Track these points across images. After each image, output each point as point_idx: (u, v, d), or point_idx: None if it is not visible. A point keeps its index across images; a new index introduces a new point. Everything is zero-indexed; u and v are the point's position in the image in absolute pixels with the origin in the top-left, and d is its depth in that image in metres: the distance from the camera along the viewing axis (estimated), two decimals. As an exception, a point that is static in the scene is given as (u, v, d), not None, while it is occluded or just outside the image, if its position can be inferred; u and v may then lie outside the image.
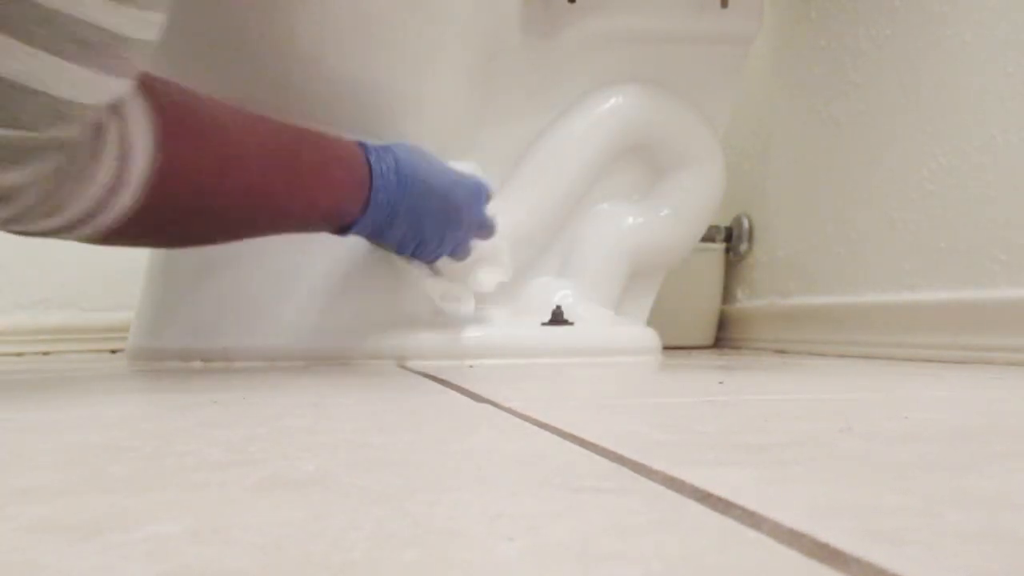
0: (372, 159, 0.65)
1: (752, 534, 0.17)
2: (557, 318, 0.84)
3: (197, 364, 0.78)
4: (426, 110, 0.85)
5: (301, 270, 0.80)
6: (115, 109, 0.48)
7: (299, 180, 0.61)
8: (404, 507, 0.19)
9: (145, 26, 0.45)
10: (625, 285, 0.94)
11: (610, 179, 0.93)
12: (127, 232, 0.53)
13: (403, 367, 0.73)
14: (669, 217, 0.94)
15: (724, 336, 1.19)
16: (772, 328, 1.06)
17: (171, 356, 0.80)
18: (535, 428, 0.32)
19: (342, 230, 0.67)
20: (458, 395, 0.46)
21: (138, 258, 0.90)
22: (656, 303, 0.98)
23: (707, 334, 1.18)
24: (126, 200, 0.50)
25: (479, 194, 0.73)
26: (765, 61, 1.10)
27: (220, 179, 0.56)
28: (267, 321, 0.79)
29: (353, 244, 0.75)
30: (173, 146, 0.52)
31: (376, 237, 0.69)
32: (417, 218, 0.68)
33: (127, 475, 0.23)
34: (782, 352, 1.00)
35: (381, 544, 0.16)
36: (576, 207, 0.93)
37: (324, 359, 0.77)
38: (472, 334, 0.80)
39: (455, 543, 0.16)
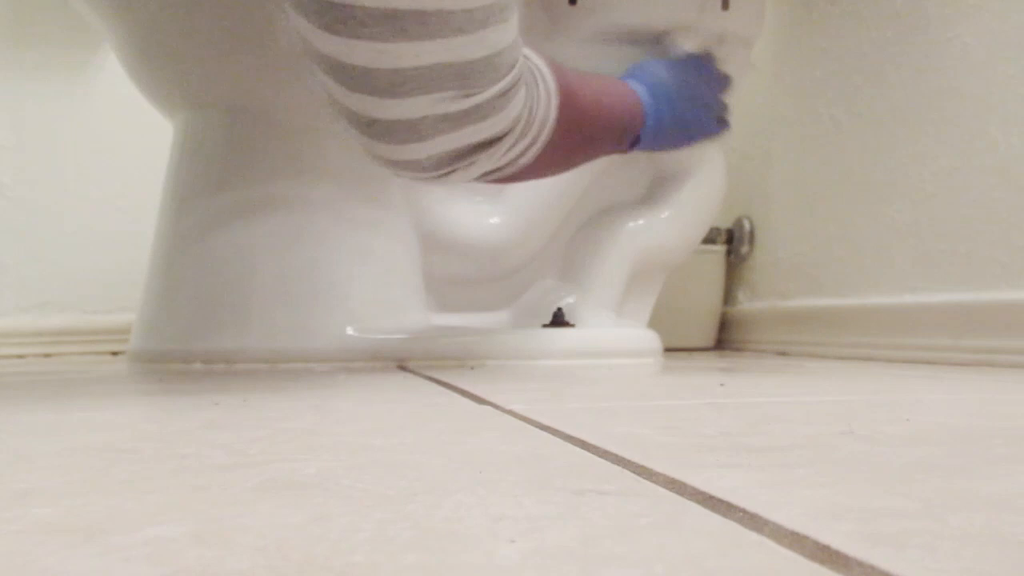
0: (641, 94, 0.80)
1: (754, 536, 0.17)
2: (558, 320, 0.84)
3: (198, 366, 0.78)
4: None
5: (302, 273, 0.80)
6: (534, 69, 0.64)
7: (617, 106, 0.77)
8: (405, 509, 0.19)
9: None
10: (626, 287, 0.94)
11: (611, 181, 0.93)
12: (553, 143, 0.66)
13: (404, 369, 0.73)
14: (670, 219, 0.94)
15: (725, 338, 1.19)
16: (773, 330, 1.06)
17: (172, 358, 0.80)
18: (536, 430, 0.32)
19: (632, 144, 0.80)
20: (459, 397, 0.46)
21: (139, 260, 0.90)
22: (657, 305, 0.98)
23: (708, 336, 1.18)
24: (553, 108, 0.65)
25: (710, 76, 0.87)
26: (767, 63, 1.10)
27: (592, 104, 0.72)
28: (268, 323, 0.79)
29: (354, 245, 0.75)
30: (565, 109, 0.66)
31: (654, 140, 0.81)
32: (676, 117, 0.82)
33: (128, 477, 0.23)
34: (783, 354, 1.00)
35: (382, 546, 0.16)
36: (578, 209, 0.93)
37: (325, 361, 0.77)
38: (473, 336, 0.80)
39: (456, 545, 0.16)
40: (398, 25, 0.51)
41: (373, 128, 0.58)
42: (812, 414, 0.37)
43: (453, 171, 0.62)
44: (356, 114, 0.57)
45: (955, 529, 0.17)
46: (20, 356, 1.16)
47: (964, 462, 0.25)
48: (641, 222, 0.93)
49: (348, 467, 0.24)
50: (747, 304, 1.15)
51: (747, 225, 1.15)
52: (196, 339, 0.79)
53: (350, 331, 0.79)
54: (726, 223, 1.16)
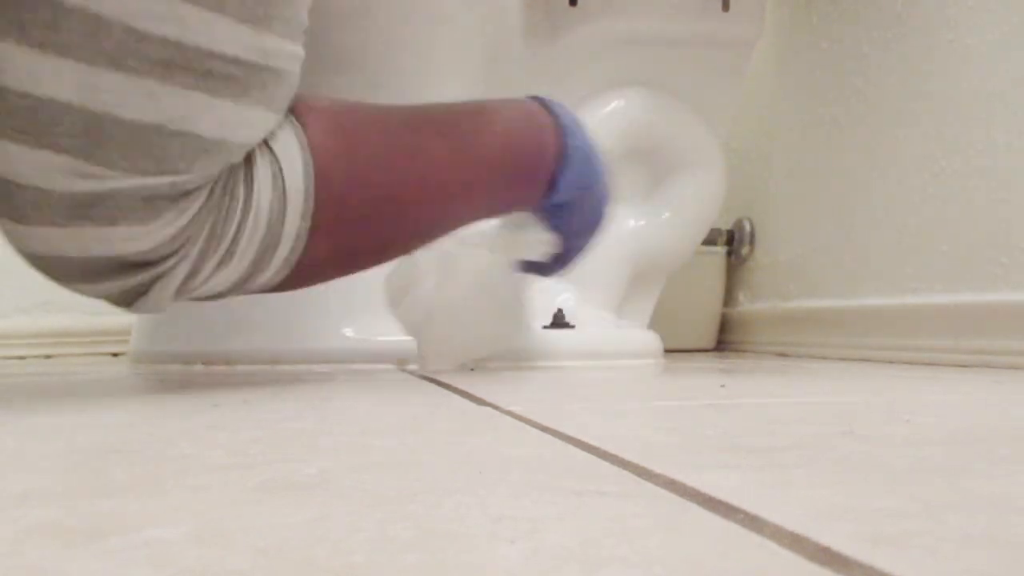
0: (554, 107, 0.58)
1: (754, 537, 0.17)
2: (558, 321, 0.84)
3: (198, 367, 0.78)
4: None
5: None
6: (265, 167, 0.46)
7: (470, 146, 0.54)
8: (406, 510, 0.19)
9: (286, 59, 0.43)
10: (626, 288, 0.94)
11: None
12: (316, 259, 0.48)
13: (404, 370, 0.73)
14: (670, 220, 0.94)
15: (725, 339, 1.18)
16: (773, 331, 1.06)
17: (173, 359, 0.80)
18: (536, 431, 0.32)
19: (545, 194, 0.58)
20: (459, 398, 0.46)
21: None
22: (658, 306, 0.98)
23: (709, 337, 1.18)
24: (295, 218, 0.46)
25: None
26: (767, 64, 1.10)
27: (384, 166, 0.50)
28: (268, 324, 0.79)
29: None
30: (324, 145, 0.47)
31: (572, 202, 0.60)
32: (599, 194, 0.61)
33: (128, 478, 0.23)
34: (783, 355, 1.00)
35: (383, 547, 0.16)
36: (577, 210, 0.93)
37: (325, 362, 0.77)
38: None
39: (457, 546, 0.16)
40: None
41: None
42: (812, 415, 0.37)
43: (127, 292, 0.46)
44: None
45: (956, 530, 0.17)
46: (21, 357, 1.16)
47: (965, 463, 0.25)
48: (642, 223, 0.93)
49: (348, 467, 0.24)
50: (747, 305, 1.15)
51: (747, 226, 1.15)
52: (196, 340, 0.79)
53: (350, 332, 0.79)
54: (726, 224, 1.16)
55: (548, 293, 0.91)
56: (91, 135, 0.38)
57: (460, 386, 0.52)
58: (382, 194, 0.50)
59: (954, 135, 0.80)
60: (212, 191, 0.43)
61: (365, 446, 0.29)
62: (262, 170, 0.45)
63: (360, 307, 0.80)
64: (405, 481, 0.22)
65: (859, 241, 0.93)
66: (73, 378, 0.69)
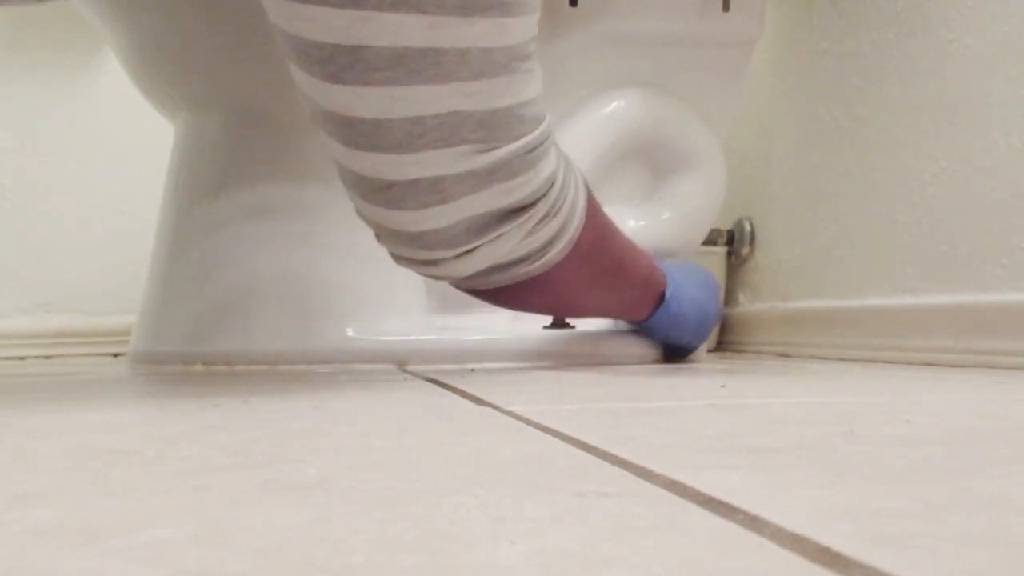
0: (667, 288, 0.75)
1: (754, 538, 0.17)
2: (558, 321, 0.84)
3: (198, 368, 0.78)
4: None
5: (303, 274, 0.80)
6: (563, 153, 0.60)
7: (639, 254, 0.72)
8: (406, 510, 0.19)
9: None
10: (627, 289, 0.94)
11: (611, 182, 0.93)
12: (580, 251, 0.62)
13: (404, 370, 0.73)
14: (671, 220, 0.94)
15: (726, 339, 1.19)
16: (774, 332, 1.06)
17: (173, 360, 0.80)
18: (537, 432, 0.32)
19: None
20: (460, 399, 0.46)
21: (139, 262, 0.90)
22: (658, 307, 0.98)
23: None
24: (573, 229, 0.60)
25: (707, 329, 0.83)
26: (767, 65, 1.10)
27: (603, 262, 0.67)
28: (268, 325, 0.79)
29: (355, 247, 0.75)
30: (592, 214, 0.63)
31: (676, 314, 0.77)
32: (673, 331, 0.80)
33: (128, 479, 0.23)
34: (784, 356, 1.00)
35: (383, 548, 0.16)
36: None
37: (326, 362, 0.77)
38: (474, 337, 0.80)
39: (457, 547, 0.16)
40: (412, 67, 0.47)
41: (391, 192, 0.52)
42: (813, 415, 0.37)
43: (477, 247, 0.57)
44: (369, 179, 0.52)
45: (956, 530, 0.17)
46: (21, 358, 1.16)
47: (965, 463, 0.25)
48: (642, 223, 0.93)
49: (349, 468, 0.24)
50: (748, 305, 1.15)
51: (748, 226, 1.15)
52: (197, 341, 0.79)
53: (350, 332, 0.79)
54: (727, 224, 1.16)
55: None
56: (487, 127, 0.51)
57: (460, 386, 0.52)
58: (609, 256, 0.67)
59: (954, 135, 0.80)
60: (554, 149, 0.57)
61: (365, 446, 0.29)
62: (563, 156, 0.60)
63: (361, 307, 0.80)
64: (405, 481, 0.22)
65: (859, 241, 0.93)
66: (73, 378, 0.69)
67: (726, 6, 0.89)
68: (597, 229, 0.64)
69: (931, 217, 0.83)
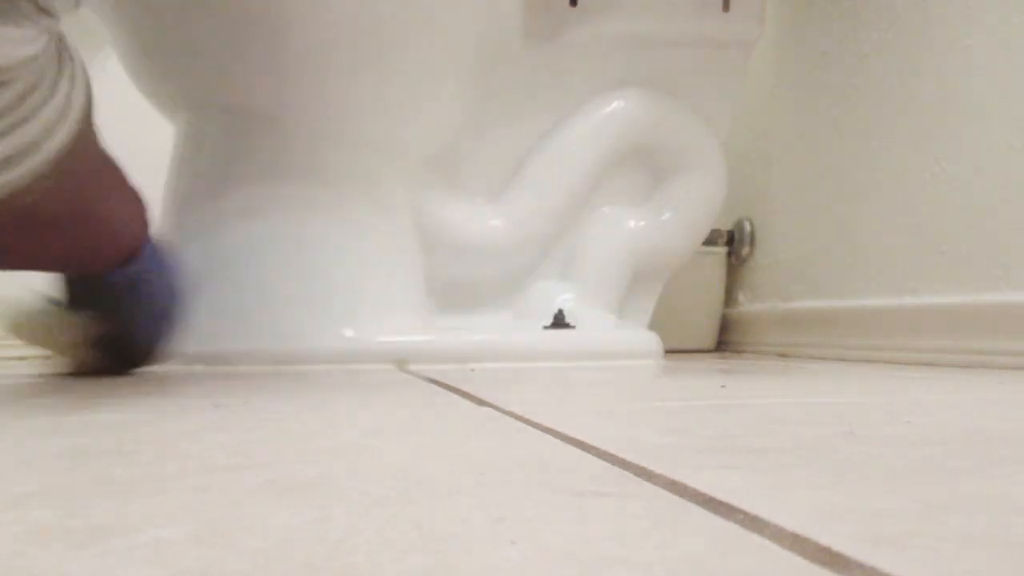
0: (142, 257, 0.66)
1: (754, 538, 0.17)
2: (559, 321, 0.84)
3: (199, 368, 0.78)
4: (427, 116, 0.85)
5: (303, 274, 0.80)
6: (68, 53, 0.52)
7: (128, 195, 0.64)
8: (406, 511, 0.19)
9: None
10: (627, 289, 0.94)
11: (612, 182, 0.93)
12: (65, 170, 0.52)
13: (405, 371, 0.73)
14: (671, 220, 0.94)
15: (726, 340, 1.18)
16: (774, 332, 1.06)
17: (173, 360, 0.80)
18: (537, 432, 0.32)
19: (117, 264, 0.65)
20: (460, 399, 0.46)
21: (140, 262, 0.90)
22: (658, 307, 0.98)
23: (709, 338, 1.18)
24: (63, 136, 0.51)
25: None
26: (767, 65, 1.10)
27: (108, 164, 0.59)
28: (269, 325, 0.79)
29: (355, 247, 0.75)
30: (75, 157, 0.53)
31: (134, 286, 0.67)
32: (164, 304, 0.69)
33: (129, 479, 0.23)
34: (784, 356, 1.00)
35: (383, 548, 0.16)
36: (578, 210, 0.93)
37: (326, 362, 0.77)
38: (474, 337, 0.80)
39: (457, 547, 0.16)
40: None
41: None
42: (813, 415, 0.37)
43: None
44: None
45: (956, 530, 0.17)
46: (21, 358, 1.16)
47: (965, 463, 0.25)
48: (642, 224, 0.93)
49: (349, 468, 0.24)
50: (748, 306, 1.15)
51: (748, 227, 1.15)
52: (197, 341, 0.79)
53: (350, 333, 0.79)
54: (727, 225, 1.16)
55: (549, 294, 0.91)
56: None
57: (460, 387, 0.52)
58: (100, 169, 0.59)
59: (954, 135, 0.80)
60: (50, 44, 0.48)
61: (365, 447, 0.29)
62: (66, 61, 0.52)
63: (361, 307, 0.80)
64: (405, 482, 0.22)
65: (859, 241, 0.93)
66: (74, 379, 0.69)
67: (726, 6, 0.89)
68: (86, 160, 0.56)
69: (931, 217, 0.83)
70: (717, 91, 0.94)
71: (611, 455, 0.26)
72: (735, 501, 0.19)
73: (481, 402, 0.43)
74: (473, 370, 0.71)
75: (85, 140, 0.55)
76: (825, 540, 0.16)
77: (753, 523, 0.17)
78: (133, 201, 0.64)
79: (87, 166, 0.56)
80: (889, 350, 0.85)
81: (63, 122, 0.51)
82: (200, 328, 0.80)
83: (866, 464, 0.25)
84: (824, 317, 0.97)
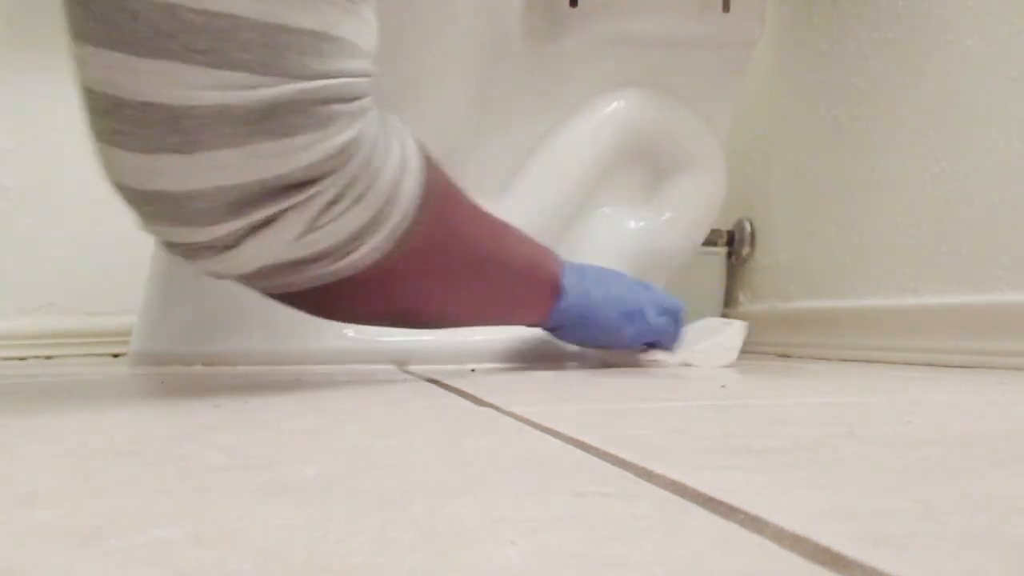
0: (564, 280, 0.67)
1: (755, 538, 0.17)
2: (559, 322, 0.84)
3: (199, 368, 0.78)
4: (427, 116, 0.85)
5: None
6: (395, 128, 0.50)
7: (524, 246, 0.64)
8: (406, 511, 0.19)
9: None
10: (627, 289, 0.94)
11: (612, 183, 0.93)
12: (404, 262, 0.50)
13: (405, 371, 0.73)
14: (671, 221, 0.94)
15: (726, 340, 1.18)
16: (774, 332, 1.06)
17: (173, 360, 0.80)
18: (537, 432, 0.32)
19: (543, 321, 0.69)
20: (460, 399, 0.46)
21: (140, 263, 0.90)
22: (658, 307, 0.98)
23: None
24: (411, 186, 0.49)
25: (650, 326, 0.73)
26: (767, 65, 1.10)
27: (461, 258, 0.56)
28: (268, 325, 0.79)
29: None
30: (436, 200, 0.51)
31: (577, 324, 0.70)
32: (585, 333, 0.71)
33: (129, 479, 0.23)
34: (784, 356, 1.00)
35: (383, 548, 0.16)
36: (578, 210, 0.93)
37: (326, 363, 0.77)
38: (474, 338, 0.80)
39: (457, 547, 0.16)
40: None
41: (118, 116, 0.39)
42: (813, 416, 0.37)
43: (242, 233, 0.44)
44: (98, 94, 0.39)
45: (956, 531, 0.17)
46: (21, 359, 1.16)
47: (965, 464, 0.25)
48: (642, 224, 0.93)
49: (349, 469, 0.24)
50: (748, 306, 1.15)
51: (748, 227, 1.15)
52: (197, 341, 0.79)
53: (350, 333, 0.79)
54: (727, 225, 1.16)
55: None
56: (268, 47, 0.39)
57: (461, 387, 0.52)
58: (465, 250, 0.56)
59: (954, 135, 0.80)
60: (370, 117, 0.46)
61: (365, 447, 0.29)
62: (394, 131, 0.49)
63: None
64: (406, 482, 0.22)
65: (859, 242, 0.93)
66: (74, 379, 0.69)
67: (726, 7, 0.89)
68: (443, 219, 0.52)
69: (931, 217, 0.83)
70: (717, 91, 0.94)
71: (611, 455, 0.26)
72: (735, 501, 0.19)
73: (481, 402, 0.43)
74: (473, 370, 0.71)
75: (442, 197, 0.53)
76: (825, 540, 0.16)
77: (753, 523, 0.17)
78: (527, 243, 0.64)
79: (451, 215, 0.54)
80: (889, 350, 0.85)
81: (406, 173, 0.49)
82: (199, 328, 0.80)
83: (866, 464, 0.25)
84: (824, 317, 0.97)
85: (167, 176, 0.41)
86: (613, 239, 0.93)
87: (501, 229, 0.60)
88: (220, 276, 0.48)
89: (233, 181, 0.41)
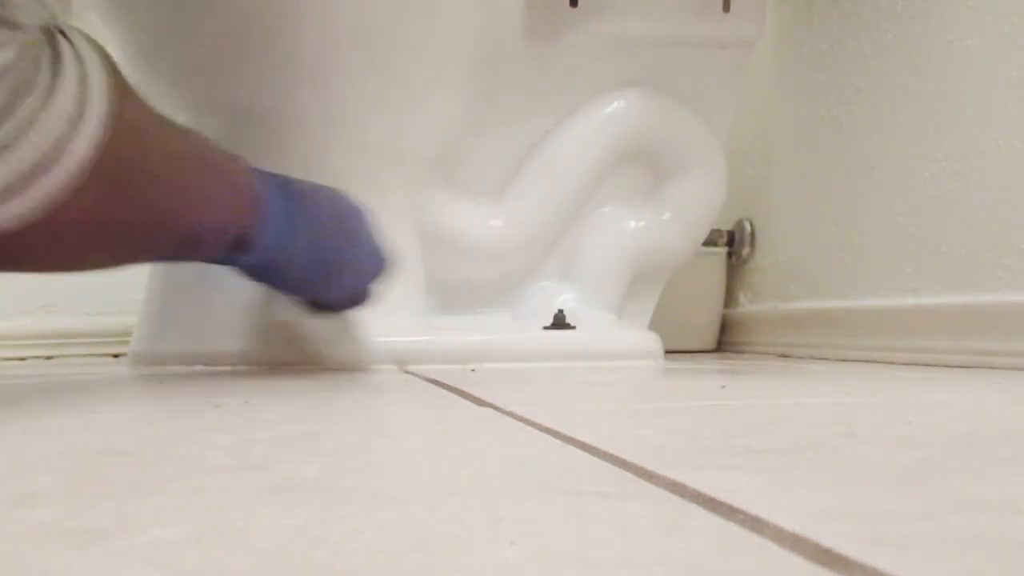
0: (267, 182, 0.60)
1: (755, 539, 0.17)
2: (559, 322, 0.84)
3: (199, 368, 0.78)
4: (427, 117, 0.85)
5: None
6: (67, 36, 0.44)
7: (216, 171, 0.56)
8: (406, 512, 0.19)
9: None
10: (627, 289, 0.94)
11: (612, 183, 0.93)
12: (80, 202, 0.44)
13: (405, 371, 0.73)
14: (671, 221, 0.94)
15: (726, 340, 1.18)
16: (774, 332, 1.06)
17: (173, 360, 0.80)
18: (537, 432, 0.32)
19: (233, 251, 0.59)
20: (460, 399, 0.46)
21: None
22: (658, 307, 0.98)
23: (709, 338, 1.18)
24: (83, 146, 0.43)
25: (378, 266, 0.67)
26: (767, 65, 1.10)
27: (155, 168, 0.50)
28: (269, 325, 0.79)
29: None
30: (124, 111, 0.45)
31: (268, 268, 0.62)
32: (310, 262, 0.62)
33: (129, 480, 0.23)
34: (785, 356, 1.00)
35: (383, 548, 0.16)
36: (578, 211, 0.93)
37: (327, 363, 0.77)
38: (474, 338, 0.80)
39: (457, 548, 0.16)
40: None
41: None
42: (813, 416, 0.37)
43: None
44: None
45: (957, 531, 0.17)
46: (21, 359, 1.16)
47: (966, 464, 0.25)
48: (642, 224, 0.93)
49: (349, 469, 0.24)
50: (748, 306, 1.15)
51: (748, 227, 1.15)
52: (197, 341, 0.79)
53: (352, 333, 0.79)
54: (727, 225, 1.16)
55: (549, 294, 0.91)
56: None
57: (461, 387, 0.52)
58: (148, 187, 0.50)
59: (954, 135, 0.80)
60: (23, 50, 0.40)
61: (366, 447, 0.29)
62: (72, 60, 0.43)
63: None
64: (406, 482, 0.22)
65: (860, 242, 0.93)
66: (74, 379, 0.69)
67: (726, 7, 0.89)
68: (121, 179, 0.47)
69: (931, 217, 0.83)
70: (717, 91, 0.94)
71: (611, 455, 0.26)
72: (735, 501, 0.19)
73: (481, 402, 0.43)
74: (473, 370, 0.71)
75: (128, 142, 0.47)
76: (825, 540, 0.16)
77: (753, 523, 0.17)
78: (219, 183, 0.56)
79: (141, 167, 0.49)
80: (889, 350, 0.85)
81: (78, 130, 0.43)
82: (200, 328, 0.80)
83: (866, 464, 0.25)
84: (824, 317, 0.97)
85: None
86: (613, 239, 0.93)
87: (187, 156, 0.54)
88: None
89: None
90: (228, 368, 0.77)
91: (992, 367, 0.72)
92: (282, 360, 0.78)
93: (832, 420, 0.36)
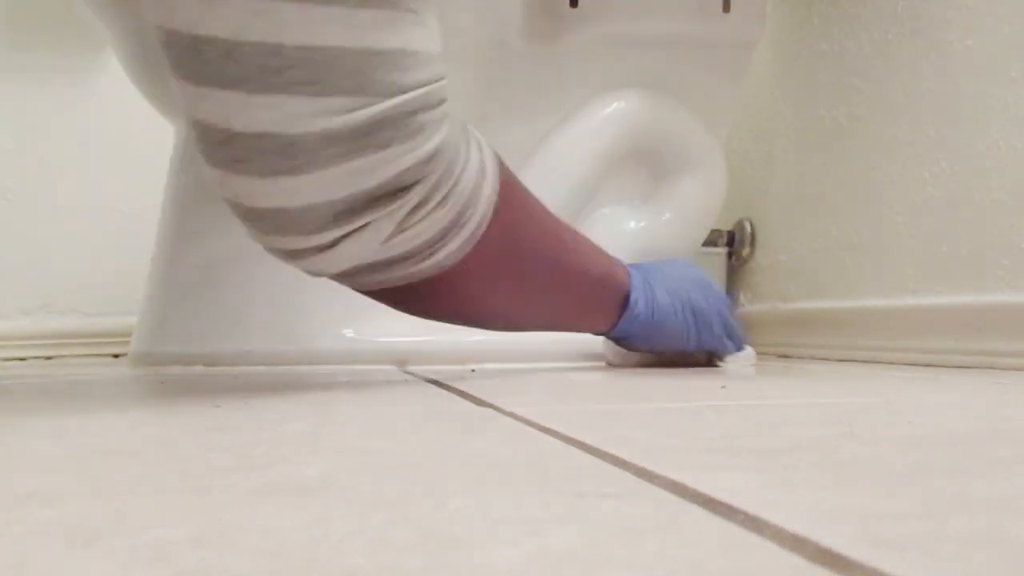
0: (632, 291, 0.67)
1: (755, 539, 0.17)
2: (559, 322, 0.84)
3: (199, 369, 0.78)
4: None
5: (302, 275, 0.79)
6: (471, 133, 0.52)
7: (590, 252, 0.64)
8: (406, 512, 0.19)
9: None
10: (627, 289, 0.94)
11: (612, 183, 0.93)
12: (479, 267, 0.52)
13: (405, 371, 0.73)
14: (671, 221, 0.94)
15: (726, 340, 1.18)
16: (775, 332, 1.06)
17: (173, 361, 0.80)
18: (538, 432, 0.32)
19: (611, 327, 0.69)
20: (460, 399, 0.46)
21: (140, 263, 0.90)
22: (658, 307, 0.98)
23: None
24: (489, 192, 0.51)
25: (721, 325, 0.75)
26: (767, 66, 1.10)
27: (534, 262, 0.58)
28: (269, 325, 0.79)
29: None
30: (508, 205, 0.53)
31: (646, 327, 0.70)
32: (652, 340, 0.72)
33: (129, 480, 0.23)
34: (785, 356, 1.00)
35: (383, 549, 0.16)
36: (578, 211, 0.93)
37: (326, 363, 0.78)
38: (474, 338, 0.80)
39: (458, 548, 0.16)
40: None
41: (234, 147, 0.42)
42: (814, 416, 0.37)
43: (338, 240, 0.46)
44: (212, 128, 0.42)
45: (957, 531, 0.17)
46: (21, 359, 1.16)
47: (966, 464, 0.25)
48: (642, 224, 0.93)
49: (349, 469, 0.24)
50: (748, 306, 1.15)
51: (748, 227, 1.15)
52: (197, 342, 0.79)
53: (350, 333, 0.79)
54: (727, 225, 1.16)
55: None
56: (362, 71, 0.42)
57: (461, 387, 0.52)
58: (535, 255, 0.58)
59: (954, 135, 0.80)
60: (450, 122, 0.47)
61: (366, 448, 0.29)
62: (471, 136, 0.51)
63: (360, 307, 0.80)
64: (406, 483, 0.22)
65: (860, 242, 0.93)
66: (74, 380, 0.69)
67: (727, 7, 0.89)
68: (515, 223, 0.54)
69: (931, 217, 0.83)
70: (717, 91, 0.94)
71: (612, 455, 0.26)
72: (735, 501, 0.19)
73: (481, 402, 0.43)
74: (473, 370, 0.71)
75: (514, 204, 0.55)
76: (826, 541, 0.16)
77: (754, 524, 0.17)
78: (595, 250, 0.65)
79: (520, 216, 0.57)
80: (889, 350, 0.85)
81: (485, 178, 0.51)
82: (200, 329, 0.80)
83: (867, 465, 0.25)
84: (825, 318, 0.97)
85: (280, 196, 0.44)
86: (613, 239, 0.93)
87: (571, 234, 0.63)
88: (315, 274, 0.51)
89: (339, 195, 0.44)
90: (228, 368, 0.77)
91: (992, 367, 0.72)
92: (282, 360, 0.78)
93: (832, 420, 0.36)
